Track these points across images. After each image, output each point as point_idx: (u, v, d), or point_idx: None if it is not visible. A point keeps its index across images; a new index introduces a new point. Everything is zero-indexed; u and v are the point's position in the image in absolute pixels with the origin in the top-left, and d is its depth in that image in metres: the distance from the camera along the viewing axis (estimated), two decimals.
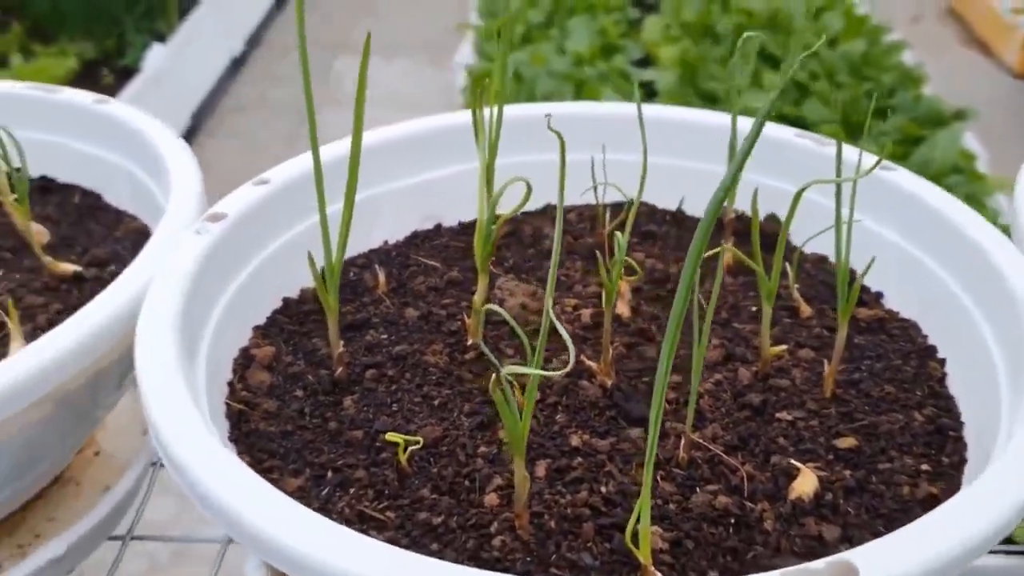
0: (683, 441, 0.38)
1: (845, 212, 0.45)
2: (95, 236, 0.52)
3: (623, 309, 0.47)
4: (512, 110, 0.52)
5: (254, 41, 3.40)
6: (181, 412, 0.34)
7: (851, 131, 1.82)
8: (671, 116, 0.54)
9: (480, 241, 0.42)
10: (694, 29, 2.64)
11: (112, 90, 2.16)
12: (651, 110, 0.54)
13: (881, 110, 2.11)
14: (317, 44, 3.58)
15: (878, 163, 0.40)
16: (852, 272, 0.49)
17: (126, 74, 2.53)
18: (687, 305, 0.31)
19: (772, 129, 0.51)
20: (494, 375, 0.32)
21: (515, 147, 0.50)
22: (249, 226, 0.44)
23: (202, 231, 0.42)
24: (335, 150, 0.48)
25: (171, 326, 0.37)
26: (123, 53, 2.78)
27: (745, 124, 0.49)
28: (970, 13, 3.49)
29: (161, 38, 2.83)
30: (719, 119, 0.54)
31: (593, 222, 0.53)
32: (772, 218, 0.52)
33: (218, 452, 0.33)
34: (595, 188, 0.51)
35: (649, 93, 2.33)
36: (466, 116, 0.54)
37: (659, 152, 0.49)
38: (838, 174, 0.40)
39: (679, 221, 0.54)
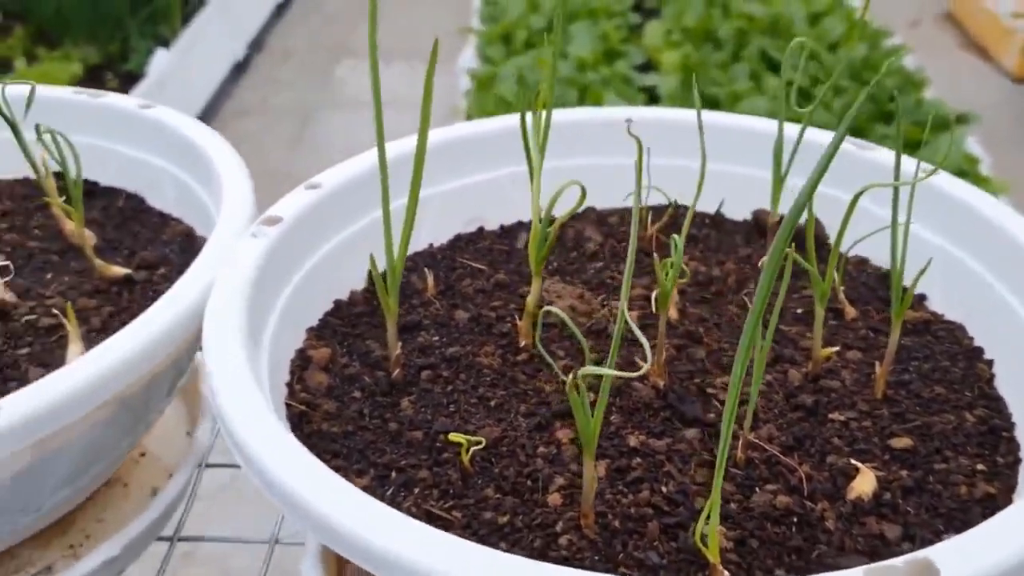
0: (740, 441, 0.39)
1: (867, 204, 0.46)
2: (141, 239, 0.52)
3: (671, 312, 0.47)
4: (555, 115, 0.52)
5: (256, 46, 3.40)
6: (254, 409, 0.34)
7: (852, 135, 1.83)
8: (712, 121, 0.54)
9: (535, 244, 0.43)
10: (695, 34, 2.64)
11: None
12: (688, 116, 0.54)
13: (886, 114, 2.12)
14: (320, 48, 3.59)
15: (934, 171, 0.40)
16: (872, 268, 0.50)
17: (130, 79, 2.53)
18: (763, 313, 0.31)
19: (814, 134, 0.52)
20: (571, 375, 0.32)
21: (555, 151, 0.50)
22: (303, 229, 0.45)
23: (259, 234, 0.43)
24: (364, 161, 0.48)
25: (237, 327, 0.37)
26: (127, 58, 2.78)
27: (790, 130, 0.49)
28: (968, 17, 3.51)
29: (165, 43, 2.82)
30: (759, 124, 0.54)
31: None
32: (816, 223, 0.52)
33: (288, 442, 0.33)
34: (638, 192, 0.51)
35: (651, 98, 2.34)
36: (505, 121, 0.55)
37: (696, 156, 0.50)
38: (896, 179, 0.40)
39: (718, 224, 0.55)
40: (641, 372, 0.34)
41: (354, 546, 0.31)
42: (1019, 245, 0.44)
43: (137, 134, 0.55)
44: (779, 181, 0.49)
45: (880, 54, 2.50)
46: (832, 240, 0.50)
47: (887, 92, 2.29)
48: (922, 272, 0.41)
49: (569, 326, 0.34)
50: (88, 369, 0.37)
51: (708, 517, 0.33)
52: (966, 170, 1.90)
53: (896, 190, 0.40)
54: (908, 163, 0.47)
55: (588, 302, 0.48)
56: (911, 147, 1.96)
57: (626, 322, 0.32)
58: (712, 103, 2.22)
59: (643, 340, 0.32)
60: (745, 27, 2.62)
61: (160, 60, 2.55)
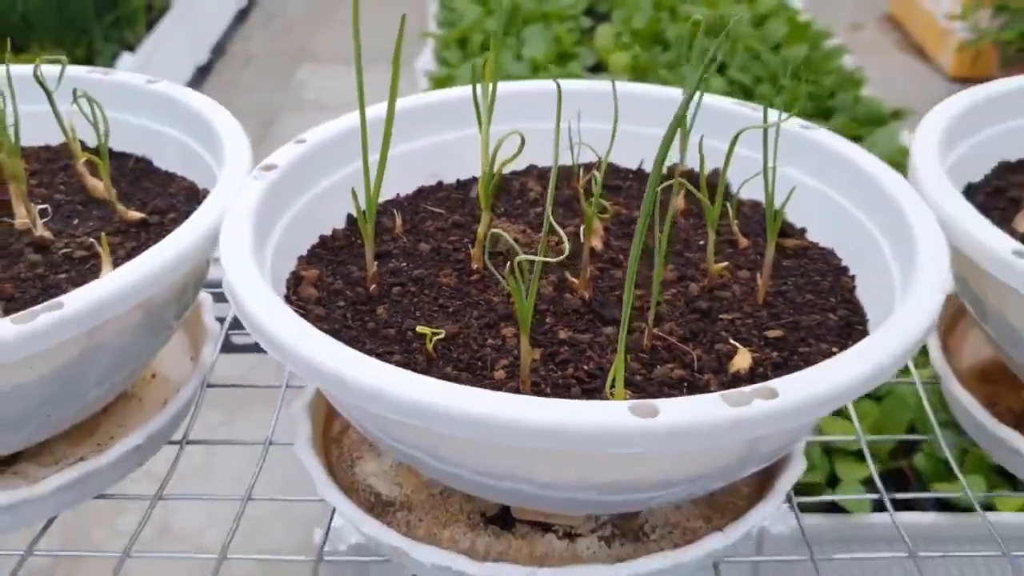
0: (646, 333, 0.49)
1: (755, 154, 0.56)
2: (151, 193, 0.62)
3: (597, 243, 0.57)
4: (501, 86, 0.63)
5: (218, 51, 3.47)
6: (260, 291, 0.44)
7: None
8: (633, 90, 0.65)
9: (483, 184, 0.53)
10: (644, 36, 2.76)
11: None
12: (619, 86, 0.65)
13: (825, 110, 2.24)
14: (281, 53, 3.68)
15: (790, 115, 0.51)
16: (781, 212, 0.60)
17: None
18: (645, 230, 0.41)
19: (715, 100, 0.62)
20: (508, 263, 0.42)
21: (503, 117, 0.60)
22: (293, 175, 0.55)
23: (259, 178, 0.53)
24: (345, 123, 0.59)
25: (246, 239, 0.47)
26: (92, 62, 2.84)
27: (699, 98, 0.59)
28: (908, 20, 3.66)
29: (130, 47, 2.89)
30: (673, 93, 0.65)
31: (570, 178, 0.64)
32: (715, 172, 0.63)
33: (286, 312, 0.43)
34: (571, 149, 0.62)
35: None
36: (460, 92, 0.65)
37: (623, 120, 0.61)
38: (765, 130, 0.51)
39: (639, 177, 0.65)
40: (561, 258, 0.44)
41: (343, 384, 0.40)
42: (878, 184, 0.55)
43: (145, 105, 0.64)
44: (685, 138, 0.59)
45: (820, 54, 2.62)
46: (731, 188, 0.60)
47: (827, 90, 2.41)
48: (787, 200, 0.52)
49: (511, 246, 0.44)
50: (125, 277, 0.46)
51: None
52: (901, 162, 2.03)
53: (765, 133, 0.50)
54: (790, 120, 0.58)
55: (529, 236, 0.58)
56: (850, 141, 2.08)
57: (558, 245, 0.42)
58: None
59: (560, 232, 0.42)
60: (693, 29, 2.72)
61: (125, 64, 2.62)
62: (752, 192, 0.60)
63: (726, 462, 0.43)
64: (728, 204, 0.58)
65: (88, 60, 2.82)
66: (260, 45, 3.49)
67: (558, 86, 0.55)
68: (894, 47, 3.55)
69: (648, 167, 0.66)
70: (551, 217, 0.46)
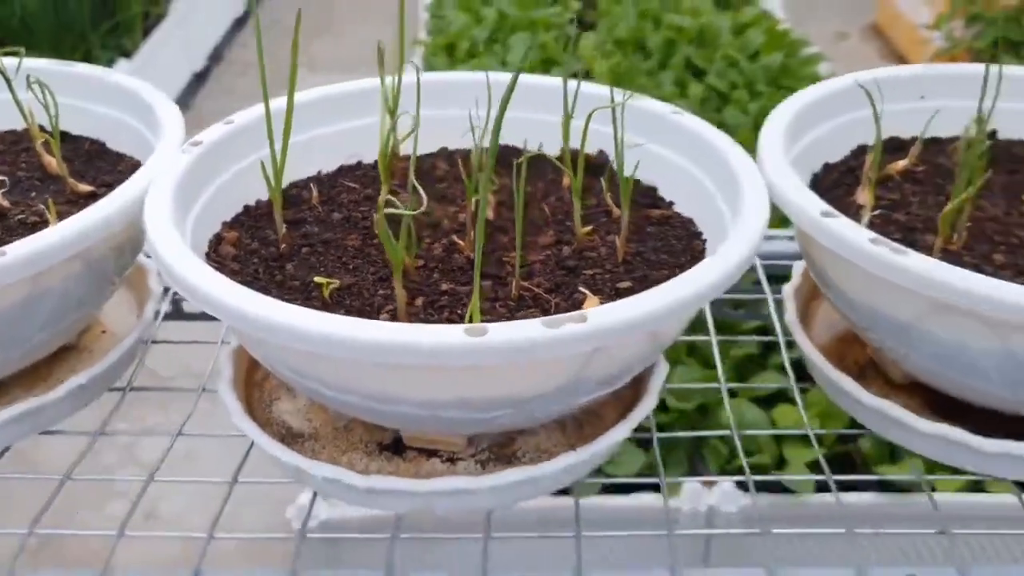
0: (514, 284, 0.57)
1: (640, 139, 0.65)
2: (103, 170, 0.70)
3: (489, 213, 0.65)
4: (424, 77, 0.71)
5: (215, 58, 3.56)
6: (179, 249, 0.52)
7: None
8: (528, 81, 0.73)
9: (381, 160, 0.61)
10: (626, 44, 2.83)
11: None
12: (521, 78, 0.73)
13: None
14: (277, 60, 3.76)
15: (629, 97, 0.59)
16: (654, 188, 0.68)
17: None
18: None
19: (598, 88, 0.71)
20: (376, 214, 0.50)
21: (426, 103, 0.69)
22: (219, 151, 0.63)
23: (186, 151, 0.61)
24: (281, 103, 0.66)
25: (168, 202, 0.55)
26: None
27: (584, 87, 0.68)
28: (891, 29, 3.73)
29: (126, 54, 2.98)
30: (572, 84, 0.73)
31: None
32: (601, 153, 0.71)
33: (203, 267, 0.51)
34: (472, 133, 0.70)
35: None
36: (377, 82, 0.73)
37: (537, 109, 0.70)
38: (616, 113, 0.59)
39: (541, 158, 0.73)
40: (423, 210, 0.52)
41: (244, 318, 0.48)
42: (728, 162, 0.63)
43: (100, 94, 0.72)
44: (567, 122, 0.67)
45: (797, 61, 2.70)
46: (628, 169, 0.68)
47: None
48: (635, 168, 0.60)
49: (398, 206, 0.52)
50: (62, 231, 0.54)
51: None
52: None
53: (612, 111, 0.58)
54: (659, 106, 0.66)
55: (431, 208, 0.66)
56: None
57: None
58: None
59: (422, 194, 0.50)
60: (674, 37, 2.82)
61: (120, 70, 2.70)
62: (636, 171, 0.69)
63: (559, 383, 0.51)
64: (602, 179, 0.66)
65: None
66: (256, 53, 3.58)
67: (493, 79, 0.63)
68: (877, 56, 3.62)
69: (548, 150, 0.74)
70: (443, 194, 0.54)
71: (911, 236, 0.60)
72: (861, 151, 0.71)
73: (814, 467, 1.58)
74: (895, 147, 0.71)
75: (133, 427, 0.95)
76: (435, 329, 0.46)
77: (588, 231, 0.63)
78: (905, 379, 0.63)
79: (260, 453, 0.59)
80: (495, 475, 0.55)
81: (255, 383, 0.65)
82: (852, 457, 1.61)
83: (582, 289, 0.57)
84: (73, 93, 0.73)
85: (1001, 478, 0.59)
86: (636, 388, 0.62)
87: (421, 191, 0.56)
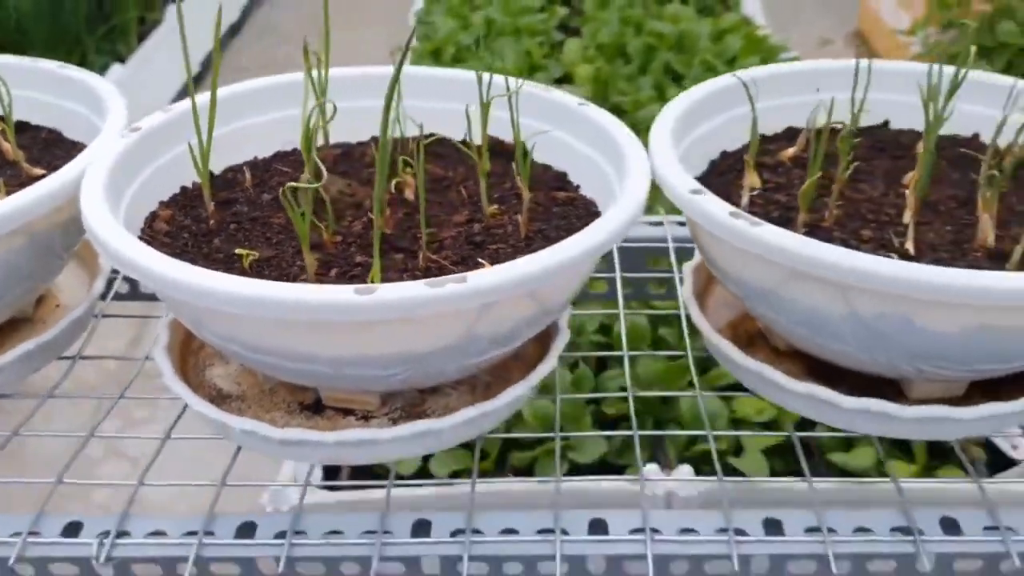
0: (421, 256, 0.63)
1: (552, 128, 0.70)
2: (57, 156, 0.76)
3: (409, 194, 0.71)
4: (353, 71, 0.78)
5: (210, 64, 3.61)
6: (109, 223, 0.58)
7: None
8: (445, 74, 0.79)
9: (304, 138, 0.67)
10: (608, 50, 2.89)
11: None
12: (441, 71, 0.79)
13: None
14: (272, 65, 3.82)
15: (521, 85, 0.65)
16: (564, 173, 0.74)
17: None
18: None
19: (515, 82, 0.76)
20: (281, 190, 0.56)
21: (360, 95, 0.75)
22: (156, 136, 0.69)
23: (124, 136, 0.67)
24: (220, 93, 0.72)
25: (102, 182, 0.61)
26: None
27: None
28: (873, 35, 3.78)
29: (121, 59, 3.04)
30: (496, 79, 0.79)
31: (404, 146, 0.78)
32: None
33: (133, 240, 0.57)
34: (399, 123, 0.76)
35: None
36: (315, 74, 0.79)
37: (453, 100, 0.75)
38: (518, 102, 0.65)
39: (467, 145, 0.79)
40: (322, 183, 0.57)
41: (162, 282, 0.54)
42: (620, 148, 0.68)
43: (56, 87, 0.78)
44: (485, 112, 0.73)
45: None
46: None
47: None
48: (533, 150, 0.65)
49: (314, 186, 0.58)
50: (6, 205, 0.60)
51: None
52: None
53: (509, 99, 0.64)
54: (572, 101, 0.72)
55: (355, 189, 0.72)
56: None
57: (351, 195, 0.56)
58: (617, 110, 2.46)
59: (325, 172, 0.55)
60: (654, 43, 2.87)
61: (114, 75, 2.76)
62: (545, 156, 0.74)
63: (450, 340, 0.56)
64: (514, 164, 0.72)
65: None
66: (251, 58, 3.64)
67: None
68: None
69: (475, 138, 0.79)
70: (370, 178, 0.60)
71: (788, 214, 0.66)
72: (760, 139, 0.77)
73: (770, 454, 1.63)
74: (792, 136, 0.77)
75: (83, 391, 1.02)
76: (327, 288, 0.52)
77: (497, 210, 0.68)
78: (788, 347, 0.69)
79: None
80: (398, 427, 0.60)
81: (192, 351, 0.71)
82: (808, 445, 1.67)
83: (481, 260, 0.62)
84: (33, 86, 0.79)
85: (863, 433, 0.64)
86: (542, 354, 0.68)
87: (322, 173, 0.62)
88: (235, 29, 3.88)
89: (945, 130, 0.71)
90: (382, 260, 0.63)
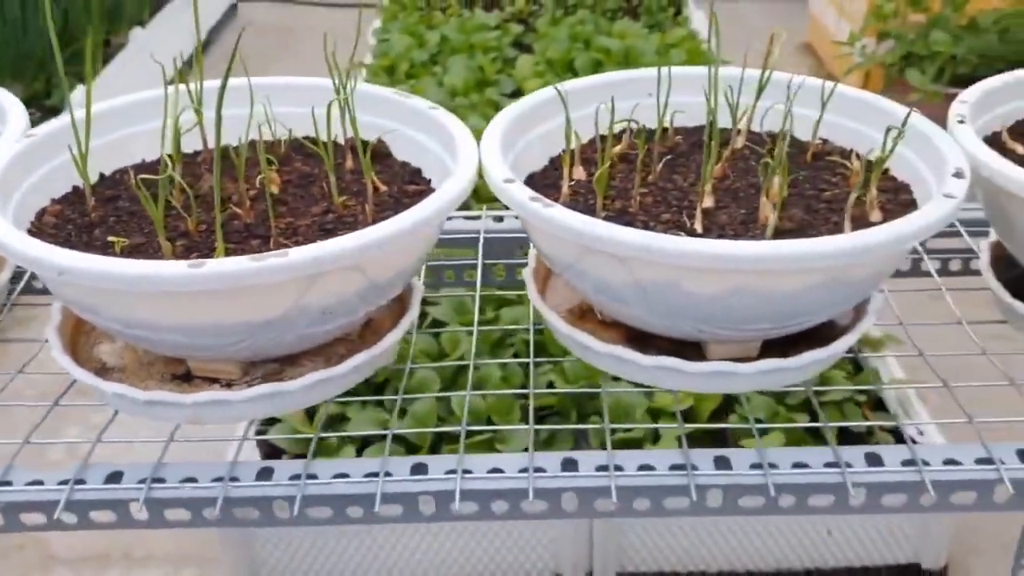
0: (272, 241, 0.72)
1: (408, 129, 0.79)
2: None
3: (275, 189, 0.80)
4: (241, 81, 0.86)
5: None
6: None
7: None
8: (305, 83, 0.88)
9: (174, 141, 0.76)
10: (557, 65, 2.98)
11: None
12: (303, 80, 0.89)
13: None
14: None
15: (356, 85, 0.74)
16: (419, 169, 0.83)
17: (53, 113, 2.84)
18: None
19: (376, 89, 0.86)
20: (134, 181, 0.65)
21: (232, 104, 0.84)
22: (50, 141, 0.78)
23: (19, 141, 0.76)
24: (108, 104, 0.81)
25: None
26: (50, 94, 3.08)
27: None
28: (820, 47, 3.90)
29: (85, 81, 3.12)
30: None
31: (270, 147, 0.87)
32: (380, 141, 0.86)
33: (14, 230, 0.66)
34: (269, 125, 0.85)
35: None
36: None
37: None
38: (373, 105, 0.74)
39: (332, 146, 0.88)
40: (206, 179, 0.66)
41: (41, 264, 0.63)
42: (457, 144, 0.77)
43: None
44: (352, 114, 0.82)
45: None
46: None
47: None
48: (391, 148, 0.74)
49: (179, 182, 0.67)
50: None
51: None
52: None
53: (341, 102, 0.73)
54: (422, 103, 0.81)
55: (226, 185, 0.81)
56: None
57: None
58: None
59: (217, 177, 0.65)
60: (601, 58, 2.98)
61: (79, 96, 2.85)
62: (404, 155, 0.84)
63: (282, 311, 0.65)
64: (373, 162, 0.81)
65: (46, 93, 3.07)
66: (216, 78, 3.74)
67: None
68: (807, 72, 3.78)
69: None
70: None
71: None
72: (603, 139, 0.86)
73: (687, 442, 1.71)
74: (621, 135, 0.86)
75: None
76: (164, 263, 0.61)
77: (351, 202, 0.78)
78: (609, 318, 0.78)
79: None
80: (250, 390, 0.69)
81: (84, 331, 0.80)
82: (724, 434, 1.76)
83: None
84: None
85: (665, 389, 0.73)
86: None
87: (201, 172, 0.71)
88: (203, 50, 3.95)
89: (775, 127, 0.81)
90: (240, 245, 0.72)
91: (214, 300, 0.63)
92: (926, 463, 0.67)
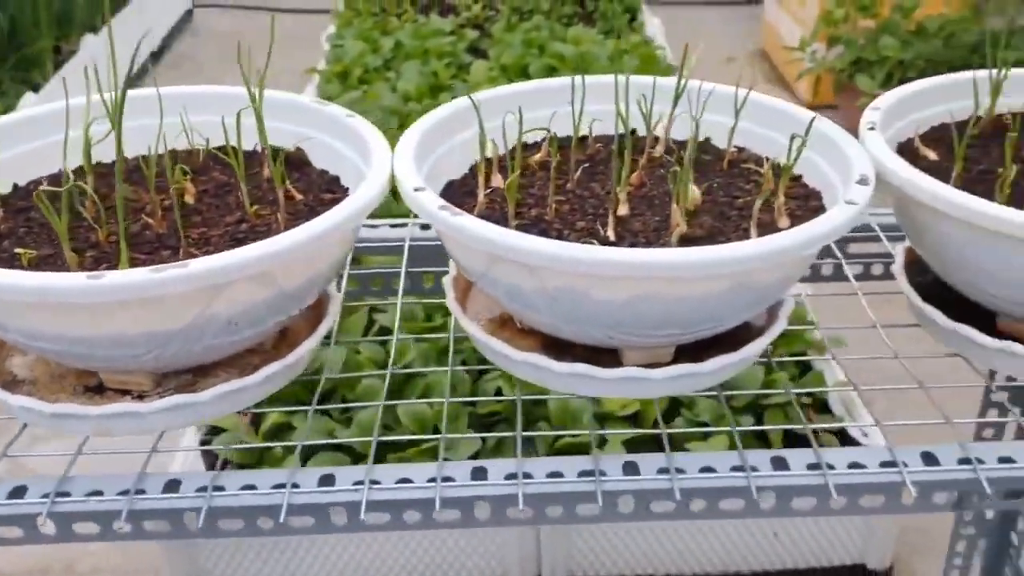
0: (182, 251, 0.71)
1: (333, 142, 0.79)
2: None
3: (190, 199, 0.80)
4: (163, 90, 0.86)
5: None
6: None
7: None
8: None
9: (84, 152, 0.75)
10: (511, 70, 2.99)
11: None
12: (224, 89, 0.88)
13: None
14: None
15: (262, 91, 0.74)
16: (337, 177, 0.83)
17: None
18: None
19: (295, 97, 0.85)
20: (35, 193, 0.64)
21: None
22: None
23: None
24: (26, 113, 0.81)
25: None
26: None
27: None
28: (774, 53, 3.93)
29: (36, 88, 3.10)
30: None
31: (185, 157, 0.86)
32: (298, 150, 0.86)
33: None
34: (186, 134, 0.85)
35: None
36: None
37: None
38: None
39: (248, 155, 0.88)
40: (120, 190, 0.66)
41: None
42: (371, 151, 0.77)
43: None
44: (261, 123, 0.82)
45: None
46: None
47: None
48: (309, 156, 0.74)
49: (90, 193, 0.66)
50: None
51: None
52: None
53: (257, 112, 0.73)
54: (336, 110, 0.81)
55: (140, 195, 0.80)
56: None
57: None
58: None
59: (127, 189, 0.64)
60: (555, 64, 2.99)
61: (28, 103, 2.83)
62: (322, 163, 0.83)
63: (187, 321, 0.65)
64: (292, 171, 0.81)
65: None
66: (170, 85, 3.71)
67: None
68: (762, 78, 3.83)
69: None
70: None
71: (516, 209, 0.75)
72: (526, 147, 0.86)
73: (634, 446, 1.72)
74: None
75: None
76: (65, 275, 0.60)
77: (265, 211, 0.77)
78: (527, 326, 0.78)
79: None
80: (160, 401, 0.69)
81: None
82: (670, 437, 1.76)
83: None
84: None
85: (581, 395, 0.74)
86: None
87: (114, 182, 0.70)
88: (155, 56, 3.94)
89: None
90: (151, 255, 0.72)
91: (117, 312, 0.62)
92: (831, 466, 0.68)
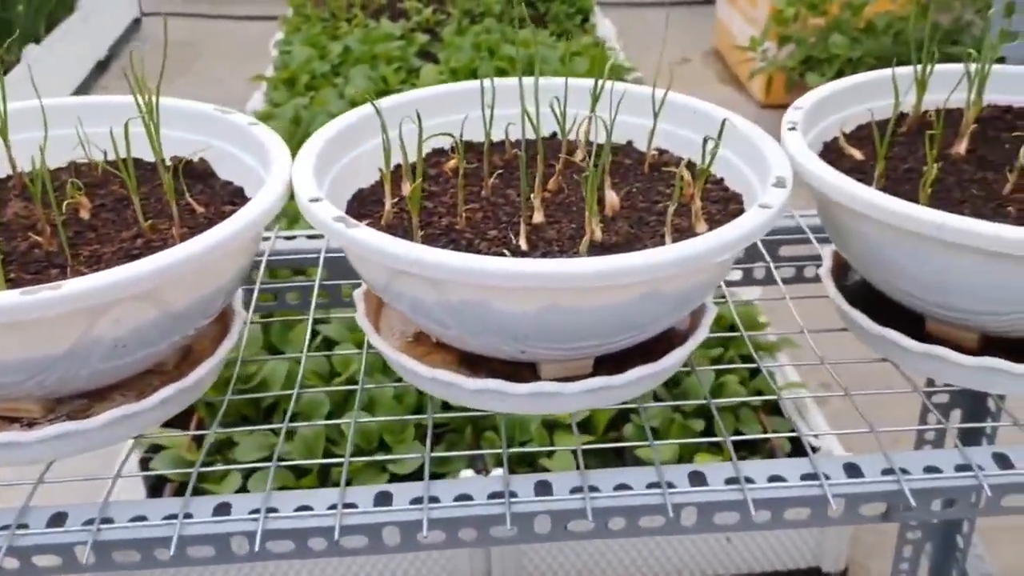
0: (69, 270, 0.68)
1: (236, 151, 0.75)
2: None
3: (85, 214, 0.76)
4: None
5: None
6: None
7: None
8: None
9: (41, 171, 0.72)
10: (461, 74, 2.96)
11: None
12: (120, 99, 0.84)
13: None
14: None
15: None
16: (242, 188, 0.79)
17: None
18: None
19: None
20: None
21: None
22: None
23: None
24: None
25: None
26: None
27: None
28: (727, 53, 3.93)
29: None
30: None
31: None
32: (201, 160, 0.82)
33: None
34: (84, 147, 0.81)
35: None
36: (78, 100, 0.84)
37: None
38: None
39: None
40: (10, 206, 0.62)
41: None
42: (272, 159, 0.74)
43: None
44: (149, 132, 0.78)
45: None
46: None
47: None
48: (213, 167, 0.71)
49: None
50: None
51: None
52: None
53: (148, 120, 0.69)
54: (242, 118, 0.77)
55: (31, 211, 0.76)
56: None
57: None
58: None
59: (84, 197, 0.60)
60: (505, 67, 2.96)
61: None
62: (227, 174, 0.80)
63: (68, 346, 0.61)
64: (195, 182, 0.77)
65: None
66: (118, 93, 3.65)
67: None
68: (715, 78, 3.82)
69: None
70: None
71: (427, 218, 0.72)
72: (441, 153, 0.83)
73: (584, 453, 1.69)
74: (467, 148, 0.83)
75: None
76: (20, 295, 0.57)
77: (163, 226, 0.73)
78: (440, 341, 0.75)
79: None
80: (44, 429, 0.65)
81: None
82: (618, 443, 1.74)
83: None
84: None
85: (493, 412, 0.71)
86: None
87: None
88: (102, 66, 3.88)
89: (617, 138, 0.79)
90: (39, 277, 0.68)
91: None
92: (749, 480, 0.65)
